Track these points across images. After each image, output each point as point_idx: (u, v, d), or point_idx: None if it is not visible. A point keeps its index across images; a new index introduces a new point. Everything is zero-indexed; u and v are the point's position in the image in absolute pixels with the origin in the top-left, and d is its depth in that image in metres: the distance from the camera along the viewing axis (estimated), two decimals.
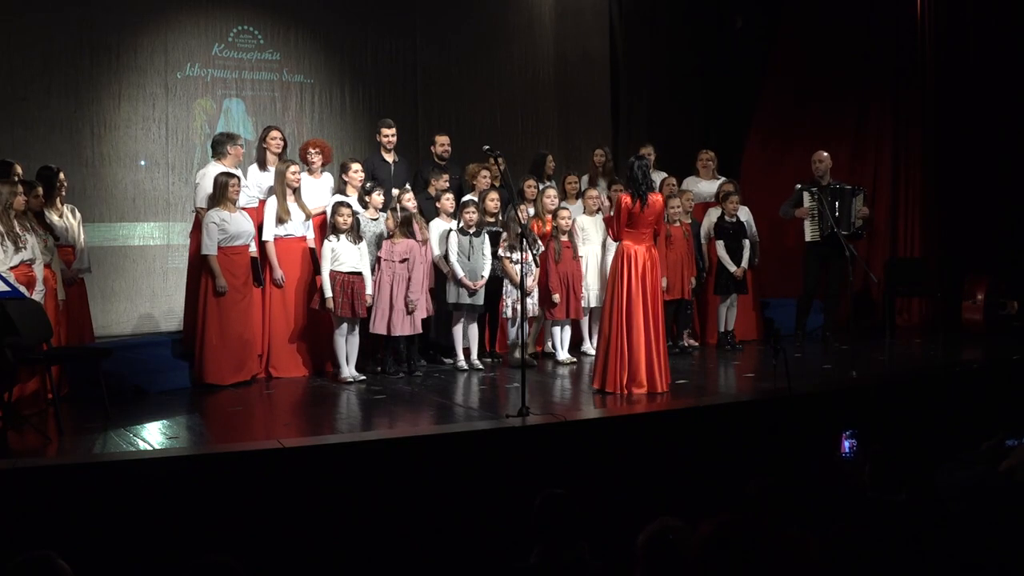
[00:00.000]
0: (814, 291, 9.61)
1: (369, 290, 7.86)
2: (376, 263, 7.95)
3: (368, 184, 8.23)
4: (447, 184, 8.64)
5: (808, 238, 9.48)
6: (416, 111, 10.55)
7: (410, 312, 7.95)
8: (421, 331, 8.15)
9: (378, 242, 8.07)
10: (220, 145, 8.09)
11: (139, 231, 9.43)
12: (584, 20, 11.51)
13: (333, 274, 7.75)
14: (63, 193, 7.56)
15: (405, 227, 8.03)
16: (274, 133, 8.36)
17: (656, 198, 7.16)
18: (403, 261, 7.94)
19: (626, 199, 7.05)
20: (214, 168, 7.93)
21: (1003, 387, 7.40)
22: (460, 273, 8.09)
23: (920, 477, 4.27)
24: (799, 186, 9.55)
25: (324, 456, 5.45)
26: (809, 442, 6.08)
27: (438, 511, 5.34)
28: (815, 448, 5.94)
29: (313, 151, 8.48)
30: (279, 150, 8.32)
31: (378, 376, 8.02)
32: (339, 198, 8.12)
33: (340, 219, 7.78)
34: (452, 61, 10.80)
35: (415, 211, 8.13)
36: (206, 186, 7.84)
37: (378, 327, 7.94)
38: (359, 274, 7.82)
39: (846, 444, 5.60)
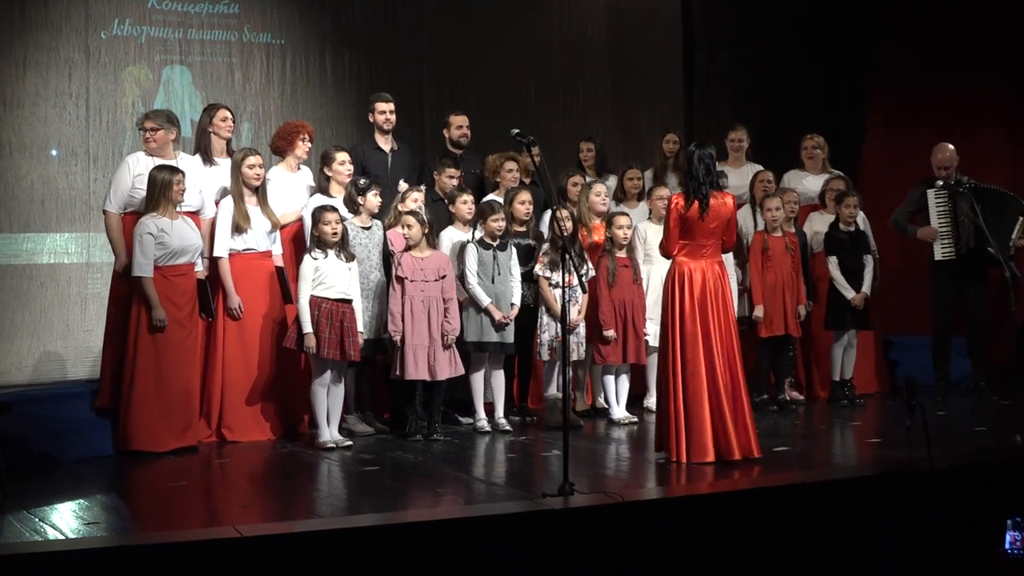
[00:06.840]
0: (951, 327, 9.54)
1: (360, 326, 7.84)
2: (395, 285, 7.89)
3: (362, 182, 8.17)
4: (456, 179, 8.65)
5: (938, 256, 9.39)
6: (421, 84, 10.62)
7: (447, 347, 7.93)
8: (464, 371, 8.13)
9: (385, 260, 8.08)
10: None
11: (49, 244, 9.49)
12: None
13: (316, 301, 7.70)
14: None
15: (431, 235, 8.06)
16: (223, 113, 8.35)
17: (724, 200, 7.16)
18: (440, 279, 7.94)
19: (679, 201, 7.08)
20: (137, 160, 7.89)
21: None
22: (485, 300, 8.08)
23: None
24: (925, 186, 9.43)
25: (297, 548, 5.43)
26: (957, 531, 6.02)
27: None
28: (965, 540, 5.88)
29: (305, 139, 8.49)
30: (230, 134, 8.33)
31: (391, 438, 8.07)
32: (321, 200, 8.12)
33: (327, 228, 7.74)
34: (469, 19, 10.86)
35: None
36: (121, 181, 7.83)
37: (415, 372, 7.88)
38: (349, 302, 7.80)
39: (1010, 536, 5.56)
